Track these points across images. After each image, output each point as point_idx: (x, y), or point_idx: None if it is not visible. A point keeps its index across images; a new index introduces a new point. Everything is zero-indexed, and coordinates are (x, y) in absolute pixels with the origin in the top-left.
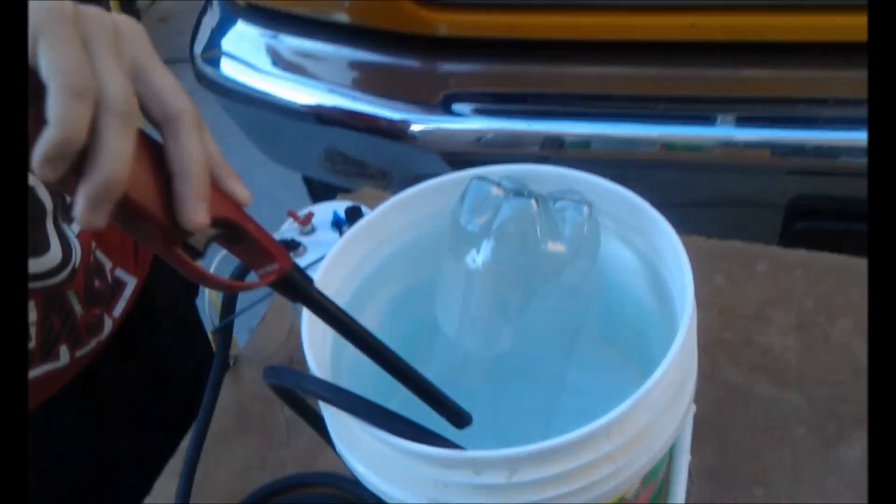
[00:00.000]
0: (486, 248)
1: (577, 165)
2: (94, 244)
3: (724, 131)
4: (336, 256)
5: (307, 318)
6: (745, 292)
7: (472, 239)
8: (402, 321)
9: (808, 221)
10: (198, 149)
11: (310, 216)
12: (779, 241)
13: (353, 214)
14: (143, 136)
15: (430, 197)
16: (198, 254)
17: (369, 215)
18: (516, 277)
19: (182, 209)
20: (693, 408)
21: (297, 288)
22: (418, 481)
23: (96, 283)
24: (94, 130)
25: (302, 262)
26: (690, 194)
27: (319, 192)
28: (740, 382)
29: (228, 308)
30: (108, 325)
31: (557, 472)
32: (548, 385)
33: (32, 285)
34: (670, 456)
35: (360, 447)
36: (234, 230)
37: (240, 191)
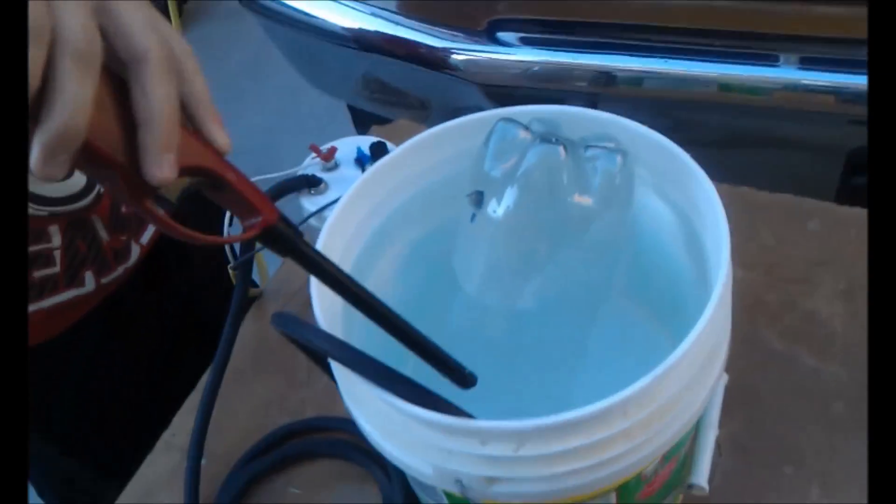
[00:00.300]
0: (510, 196)
1: (627, 105)
2: None
3: (787, 73)
4: (352, 198)
5: None
6: (794, 251)
7: (496, 185)
8: (420, 268)
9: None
10: (164, 94)
11: (333, 151)
12: (835, 197)
13: (378, 151)
14: (110, 78)
15: (455, 137)
16: (171, 205)
17: (388, 156)
18: (540, 229)
19: (145, 161)
20: (725, 378)
21: (284, 242)
22: (423, 446)
23: (123, 208)
24: (49, 73)
25: (323, 199)
26: (743, 141)
27: (363, 119)
28: (779, 349)
29: (249, 243)
30: (136, 252)
31: (567, 448)
32: (570, 346)
33: (56, 209)
34: (696, 429)
35: (366, 404)
36: (213, 179)
37: (220, 137)
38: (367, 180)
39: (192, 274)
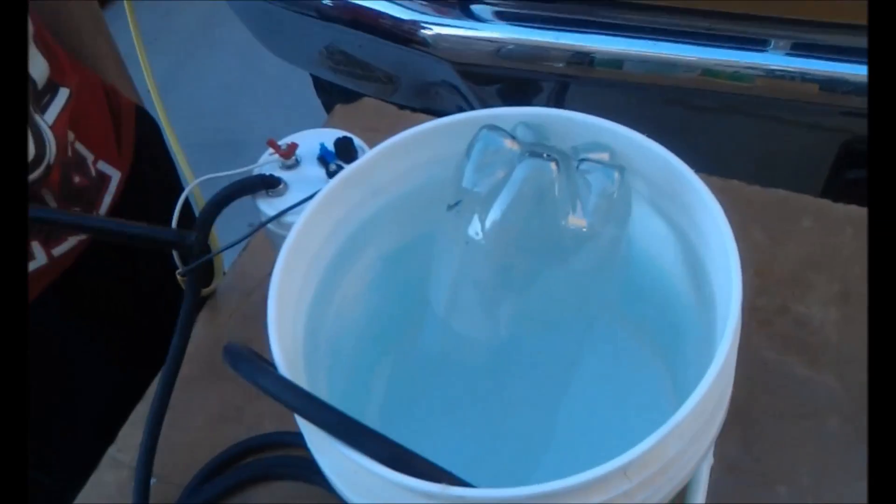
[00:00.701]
0: (493, 215)
1: (605, 90)
2: (72, 136)
3: (775, 59)
4: (319, 207)
5: (277, 282)
6: (786, 251)
7: (477, 202)
8: (393, 284)
9: (860, 170)
10: None
11: (293, 147)
12: (822, 191)
13: (344, 148)
14: None
15: (432, 140)
16: None
17: (359, 161)
18: (526, 253)
19: None
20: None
21: None
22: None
23: (76, 178)
24: None
25: (282, 202)
26: (730, 131)
27: (327, 88)
28: (771, 358)
29: (202, 247)
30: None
31: None
32: (555, 374)
33: None
34: None
35: (331, 455)
36: None
37: None
38: (336, 187)
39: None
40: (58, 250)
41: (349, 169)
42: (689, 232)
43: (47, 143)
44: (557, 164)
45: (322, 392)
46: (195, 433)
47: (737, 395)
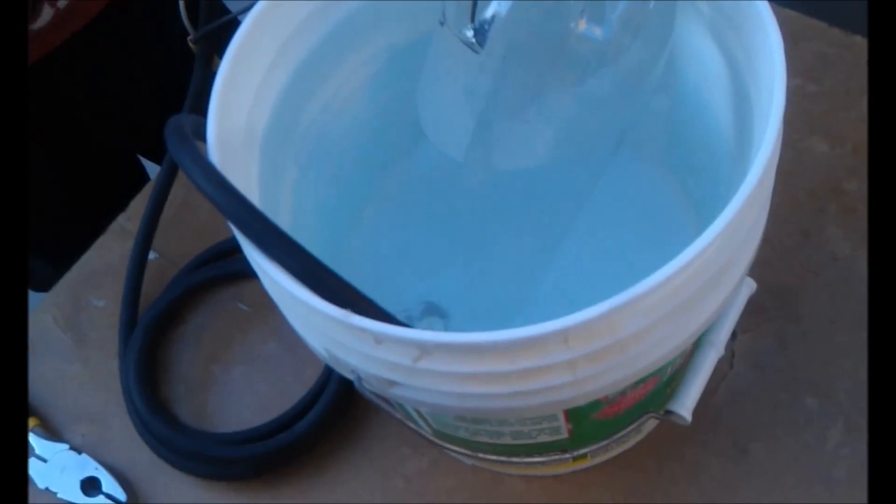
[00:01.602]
0: (490, 9)
1: None
2: None
3: None
4: None
5: (235, 49)
6: None
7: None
8: (403, 82)
9: None
10: None
11: None
12: None
13: None
14: None
15: None
16: None
17: None
18: (528, 67)
19: None
20: (750, 287)
21: None
22: (315, 328)
23: None
24: None
25: None
26: None
27: None
28: (844, 254)
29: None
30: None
31: (476, 371)
32: (562, 206)
33: None
34: (695, 345)
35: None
36: None
37: None
38: None
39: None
40: (63, 2)
41: None
42: (742, 62)
43: None
44: None
45: (285, 184)
46: (206, 218)
47: (791, 281)
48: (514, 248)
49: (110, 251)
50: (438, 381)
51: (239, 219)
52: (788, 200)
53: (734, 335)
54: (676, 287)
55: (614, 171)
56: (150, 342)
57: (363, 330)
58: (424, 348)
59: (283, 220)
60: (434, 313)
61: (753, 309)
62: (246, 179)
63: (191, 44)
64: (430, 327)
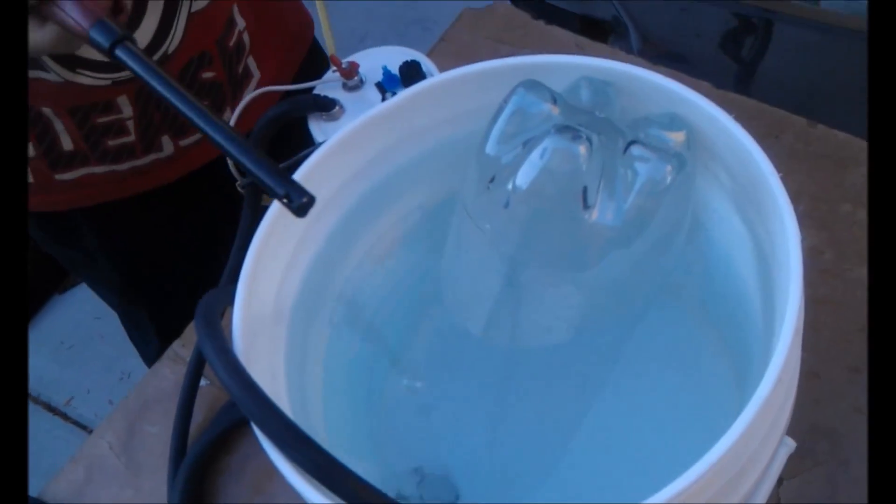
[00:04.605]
0: (503, 201)
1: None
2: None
3: None
4: (341, 143)
5: (264, 231)
6: None
7: (502, 173)
8: (426, 242)
9: None
10: None
11: (354, 67)
12: None
13: (411, 73)
14: None
15: (478, 86)
16: None
17: (391, 101)
18: (538, 255)
19: None
20: (789, 447)
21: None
22: None
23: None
24: None
25: (335, 127)
26: None
27: None
28: None
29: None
30: (228, 117)
31: None
32: (587, 378)
33: (117, 77)
34: None
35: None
36: None
37: None
38: (365, 125)
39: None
40: (185, 142)
41: (379, 110)
42: (762, 233)
43: (174, 27)
44: (591, 145)
45: (317, 346)
46: None
47: (836, 427)
48: (543, 409)
49: (165, 378)
50: None
51: (256, 416)
52: (839, 335)
53: (780, 481)
54: (693, 494)
55: (648, 318)
56: (197, 476)
57: None
58: None
59: (314, 381)
60: (456, 480)
61: (800, 454)
62: (273, 352)
63: (239, 188)
64: (450, 497)
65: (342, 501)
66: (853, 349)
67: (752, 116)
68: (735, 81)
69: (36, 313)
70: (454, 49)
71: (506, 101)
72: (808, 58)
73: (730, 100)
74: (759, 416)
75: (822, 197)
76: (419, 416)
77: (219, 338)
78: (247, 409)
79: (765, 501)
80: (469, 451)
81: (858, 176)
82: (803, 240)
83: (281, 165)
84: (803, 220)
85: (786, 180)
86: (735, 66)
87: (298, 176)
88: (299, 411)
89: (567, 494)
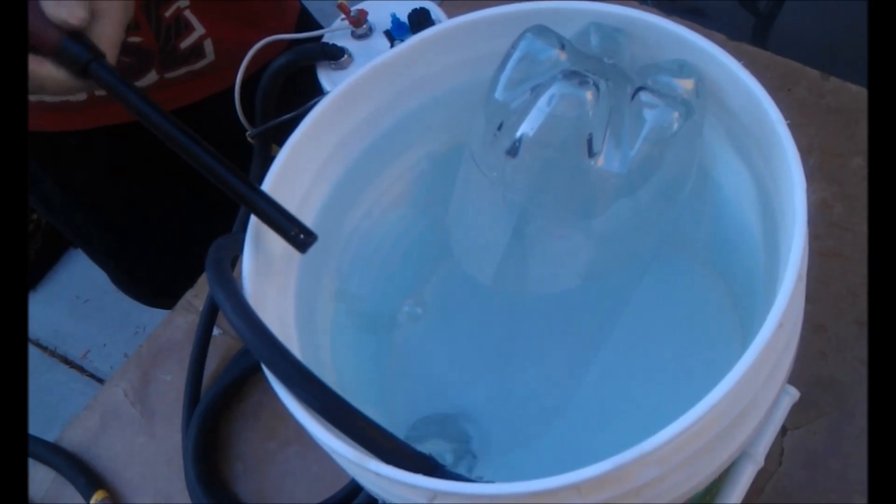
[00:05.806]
0: (510, 148)
1: None
2: None
3: None
4: (348, 91)
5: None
6: None
7: (510, 119)
8: (434, 191)
9: None
10: None
11: (363, 15)
12: None
13: (419, 21)
14: None
15: (487, 33)
16: None
17: (399, 48)
18: (546, 203)
19: None
20: (792, 395)
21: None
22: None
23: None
24: None
25: (343, 75)
26: None
27: None
28: None
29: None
30: (210, 52)
31: None
32: (595, 322)
33: None
34: None
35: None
36: None
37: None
38: (370, 74)
39: None
40: (170, 74)
41: (387, 56)
42: (769, 184)
43: None
44: (598, 91)
45: (326, 295)
46: None
47: (843, 379)
48: (549, 355)
49: (177, 327)
50: None
51: (266, 358)
52: (847, 289)
53: (783, 430)
54: (690, 437)
55: (656, 269)
56: (210, 422)
57: (378, 475)
58: (437, 496)
59: (323, 327)
60: (466, 423)
61: (805, 404)
62: (283, 298)
63: (249, 138)
64: (461, 441)
65: (350, 440)
66: (860, 303)
67: (766, 67)
68: (751, 35)
69: (51, 268)
70: None
71: (514, 47)
72: (826, 12)
73: (743, 51)
74: (759, 360)
75: (834, 151)
76: (425, 363)
77: (230, 282)
78: (255, 349)
79: (768, 448)
80: (477, 397)
81: None
82: (813, 193)
83: (290, 115)
84: (814, 173)
85: (797, 133)
86: (752, 21)
87: (307, 124)
88: (310, 357)
89: (572, 439)
